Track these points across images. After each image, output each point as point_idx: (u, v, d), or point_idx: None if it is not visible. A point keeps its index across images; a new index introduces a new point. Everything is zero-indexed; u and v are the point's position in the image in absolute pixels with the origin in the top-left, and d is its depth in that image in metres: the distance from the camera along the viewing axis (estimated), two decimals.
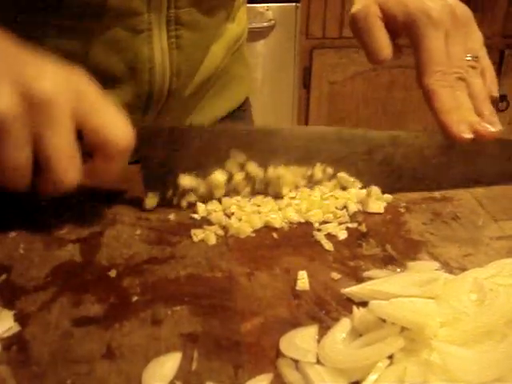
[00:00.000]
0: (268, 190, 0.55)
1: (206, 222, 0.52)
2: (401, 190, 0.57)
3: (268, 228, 0.51)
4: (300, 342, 0.37)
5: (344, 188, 0.56)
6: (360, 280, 0.44)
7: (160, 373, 0.35)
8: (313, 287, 0.43)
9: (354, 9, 0.59)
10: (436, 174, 0.58)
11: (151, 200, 0.53)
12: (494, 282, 0.39)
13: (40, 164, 0.44)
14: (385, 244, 0.49)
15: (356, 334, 0.37)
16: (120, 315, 0.40)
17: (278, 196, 0.55)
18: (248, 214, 0.52)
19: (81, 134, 0.45)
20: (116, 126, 0.46)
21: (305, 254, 0.48)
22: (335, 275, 0.44)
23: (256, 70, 1.98)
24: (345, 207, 0.54)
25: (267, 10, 1.90)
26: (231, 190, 0.54)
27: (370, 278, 0.44)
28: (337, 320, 0.39)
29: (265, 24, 1.90)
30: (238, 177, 0.54)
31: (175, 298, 0.42)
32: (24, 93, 0.42)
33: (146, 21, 0.60)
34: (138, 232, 0.50)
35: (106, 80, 0.60)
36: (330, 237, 0.50)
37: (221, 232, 0.50)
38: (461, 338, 0.34)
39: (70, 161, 0.44)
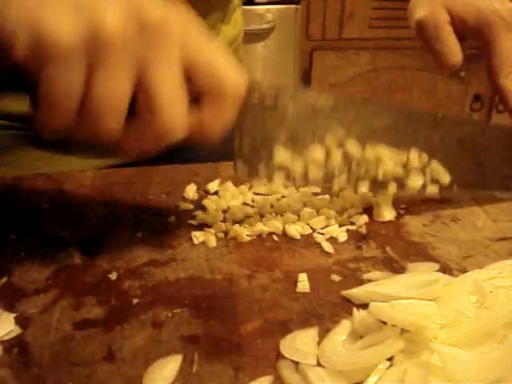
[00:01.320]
0: (363, 175, 0.50)
1: (205, 224, 0.52)
2: (484, 188, 0.55)
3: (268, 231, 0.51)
4: (300, 344, 0.37)
5: (435, 181, 0.52)
6: (360, 282, 0.44)
7: (161, 375, 0.35)
8: (313, 289, 0.43)
9: (420, 15, 0.59)
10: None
11: (241, 170, 0.48)
12: (493, 284, 0.39)
13: (139, 107, 0.37)
14: (385, 246, 0.49)
15: (356, 336, 0.37)
16: (121, 318, 0.40)
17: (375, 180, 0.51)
18: (249, 219, 0.52)
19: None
20: (230, 67, 0.40)
21: (305, 256, 0.48)
22: (335, 277, 0.45)
23: (256, 72, 1.98)
24: (346, 210, 0.54)
25: (267, 11, 1.90)
26: (328, 173, 0.49)
27: (370, 280, 0.44)
28: (337, 322, 0.39)
29: (264, 26, 1.90)
30: (338, 157, 0.49)
31: (176, 301, 0.42)
32: (134, 15, 0.35)
33: None
34: (139, 234, 0.50)
35: None
36: (330, 239, 0.50)
37: (221, 234, 0.50)
38: (461, 339, 0.34)
39: (179, 102, 0.37)
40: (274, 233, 0.51)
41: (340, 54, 2.11)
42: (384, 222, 0.53)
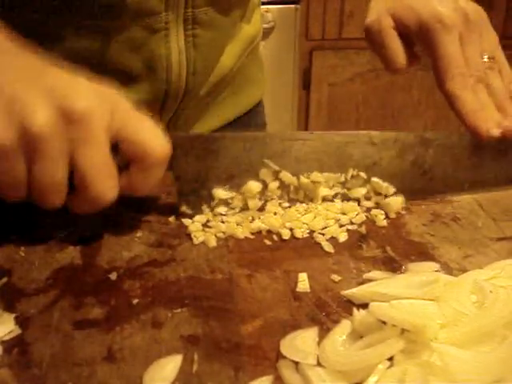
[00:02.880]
0: (302, 197, 0.55)
1: (206, 224, 0.52)
2: (435, 193, 0.57)
3: (268, 230, 0.51)
4: (300, 344, 0.37)
5: (377, 194, 0.55)
6: (360, 282, 0.44)
7: (161, 375, 0.35)
8: (313, 289, 0.43)
9: (368, 20, 0.60)
10: (467, 175, 0.57)
11: (185, 210, 0.53)
12: (494, 284, 0.39)
13: (76, 181, 0.43)
14: (385, 246, 0.49)
15: (356, 335, 0.37)
16: (121, 318, 0.40)
17: (312, 201, 0.55)
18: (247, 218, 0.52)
19: (115, 148, 0.44)
20: (153, 136, 0.45)
21: (305, 255, 0.48)
22: (335, 277, 0.45)
23: None
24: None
25: (267, 11, 1.90)
26: (266, 201, 0.54)
27: (370, 280, 0.44)
28: (337, 322, 0.39)
29: (264, 26, 1.90)
30: (273, 186, 0.53)
31: (176, 301, 0.42)
32: (58, 109, 0.41)
33: (164, 20, 0.61)
34: (139, 234, 0.50)
35: (124, 78, 0.61)
36: (330, 239, 0.50)
37: (221, 234, 0.50)
38: (461, 339, 0.34)
39: (107, 176, 0.43)
40: (273, 232, 0.51)
41: (340, 53, 2.11)
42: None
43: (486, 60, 0.56)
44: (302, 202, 0.55)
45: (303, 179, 0.53)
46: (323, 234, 0.50)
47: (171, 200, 0.55)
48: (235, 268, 0.46)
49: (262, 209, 0.53)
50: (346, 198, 0.55)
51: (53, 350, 0.37)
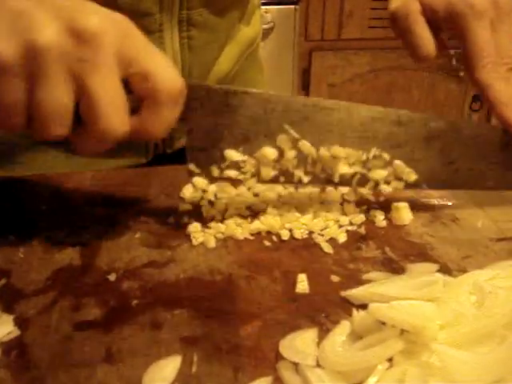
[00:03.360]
0: (319, 170, 0.51)
1: (205, 225, 0.52)
2: (458, 186, 0.54)
3: (267, 231, 0.51)
4: (300, 344, 0.37)
5: (398, 178, 0.52)
6: (359, 283, 0.44)
7: (160, 376, 0.35)
8: (312, 290, 0.43)
9: (393, 6, 0.58)
10: (492, 172, 0.54)
11: (194, 171, 0.49)
12: (493, 284, 0.39)
13: (83, 112, 0.39)
14: (384, 246, 0.49)
15: (356, 336, 0.37)
16: (120, 319, 0.40)
17: (330, 180, 0.51)
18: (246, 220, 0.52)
19: (126, 87, 0.40)
20: (166, 70, 0.41)
21: (304, 256, 0.48)
22: (335, 278, 0.45)
23: None
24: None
25: (266, 12, 1.90)
26: (281, 170, 0.50)
27: (369, 281, 0.44)
28: (336, 323, 0.39)
29: (264, 26, 1.90)
30: (290, 155, 0.49)
31: (175, 302, 0.42)
32: (68, 26, 0.37)
33: (158, 21, 0.60)
34: (138, 235, 0.50)
35: None
36: (329, 239, 0.50)
37: (220, 235, 0.50)
38: (460, 340, 0.34)
39: (119, 107, 0.39)
40: (273, 233, 0.51)
41: (339, 54, 2.11)
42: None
43: None
44: (316, 179, 0.51)
45: (323, 151, 0.49)
46: (322, 235, 0.50)
47: (171, 201, 0.55)
48: (234, 269, 0.46)
49: (257, 213, 0.53)
50: (364, 180, 0.52)
51: (52, 351, 0.37)
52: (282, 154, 0.49)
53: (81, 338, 0.38)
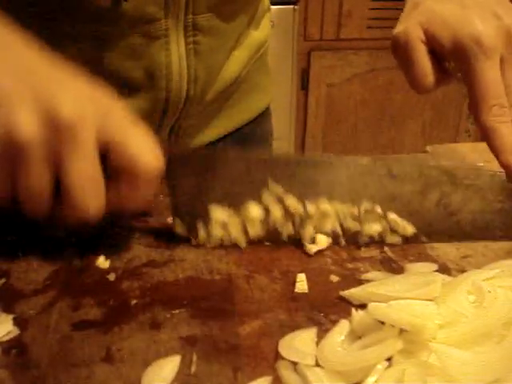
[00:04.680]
0: (310, 230, 0.49)
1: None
2: (462, 238, 0.50)
3: None
4: (299, 344, 0.37)
5: (394, 231, 0.49)
6: (359, 282, 0.44)
7: (159, 376, 0.35)
8: (311, 290, 0.43)
9: (395, 31, 0.54)
10: (500, 221, 0.50)
11: (180, 228, 0.49)
12: (492, 284, 0.39)
13: (62, 192, 0.41)
14: (383, 246, 0.49)
15: (355, 336, 0.37)
16: (119, 319, 0.40)
17: (313, 241, 0.49)
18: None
19: (104, 159, 0.42)
20: (145, 148, 0.42)
21: (303, 256, 0.48)
22: (334, 277, 0.45)
23: None
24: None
25: None
26: (269, 230, 0.49)
27: (368, 281, 0.44)
28: (335, 322, 0.39)
29: None
30: (277, 212, 0.48)
31: (174, 301, 0.42)
32: (45, 116, 0.39)
33: (163, 27, 0.60)
34: (137, 235, 0.50)
35: (123, 86, 0.59)
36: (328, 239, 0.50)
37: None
38: (459, 339, 0.35)
39: (95, 188, 0.41)
40: None
41: (338, 54, 2.11)
42: None
43: None
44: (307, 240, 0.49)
45: (310, 207, 0.48)
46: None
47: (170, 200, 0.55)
48: (234, 269, 0.46)
49: None
50: (357, 235, 0.49)
51: (51, 350, 0.37)
52: (268, 212, 0.48)
53: (80, 337, 0.38)
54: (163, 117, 0.66)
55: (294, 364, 0.36)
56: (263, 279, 0.44)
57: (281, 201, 0.48)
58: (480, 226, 0.50)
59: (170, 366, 0.36)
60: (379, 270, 0.46)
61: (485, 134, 0.50)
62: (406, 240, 0.50)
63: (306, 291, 0.43)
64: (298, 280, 0.44)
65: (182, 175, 0.48)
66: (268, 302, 0.42)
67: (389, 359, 0.34)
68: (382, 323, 0.36)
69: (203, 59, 0.64)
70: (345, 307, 0.41)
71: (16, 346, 0.37)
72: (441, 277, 0.41)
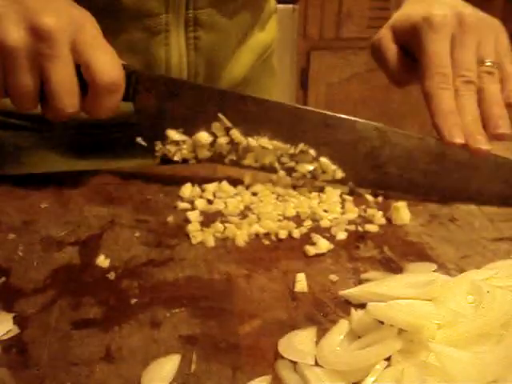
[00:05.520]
0: (250, 159, 0.56)
1: (204, 223, 0.52)
2: (388, 188, 0.57)
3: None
4: (298, 344, 0.37)
5: (324, 173, 0.56)
6: (358, 282, 0.44)
7: (159, 375, 0.35)
8: (311, 289, 0.43)
9: (373, 38, 0.61)
10: (425, 181, 0.56)
11: (140, 141, 0.57)
12: (491, 284, 0.39)
13: (44, 93, 0.49)
14: (382, 246, 0.49)
15: (354, 335, 0.37)
16: (119, 318, 0.40)
17: (262, 168, 0.57)
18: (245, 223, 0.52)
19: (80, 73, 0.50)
20: (106, 64, 0.49)
21: (303, 255, 0.48)
22: (333, 277, 0.45)
23: None
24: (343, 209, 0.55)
25: None
26: (215, 153, 0.57)
27: (367, 280, 0.44)
28: (335, 322, 0.39)
29: None
30: (222, 140, 0.55)
31: (174, 301, 0.42)
32: (29, 27, 0.46)
33: (164, 22, 0.60)
34: (137, 234, 0.50)
35: None
36: (328, 239, 0.50)
37: (219, 234, 0.50)
38: (458, 339, 0.35)
39: (69, 92, 0.49)
40: (271, 233, 0.51)
41: (338, 53, 2.11)
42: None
43: (488, 64, 0.55)
44: (249, 166, 0.57)
45: (252, 141, 0.55)
46: (320, 234, 0.50)
47: (170, 200, 0.56)
48: (233, 268, 0.46)
49: (255, 213, 0.53)
50: (291, 171, 0.56)
51: (51, 349, 0.37)
52: (215, 139, 0.56)
53: (80, 336, 0.38)
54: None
55: (294, 363, 0.36)
56: (263, 279, 0.45)
57: (227, 132, 0.55)
58: (405, 181, 0.56)
59: (169, 364, 0.36)
60: (378, 270, 0.46)
61: (425, 99, 0.55)
62: (333, 182, 0.57)
63: (306, 291, 0.43)
64: (297, 279, 0.44)
65: (146, 99, 0.55)
66: (267, 302, 0.42)
67: (388, 359, 0.34)
68: (382, 323, 0.36)
69: (204, 55, 0.64)
70: (344, 307, 0.41)
71: (16, 345, 0.37)
72: (440, 277, 0.42)
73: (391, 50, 0.59)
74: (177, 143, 0.56)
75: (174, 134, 0.56)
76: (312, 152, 0.55)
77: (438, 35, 0.55)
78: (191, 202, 0.55)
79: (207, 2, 0.61)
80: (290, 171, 0.57)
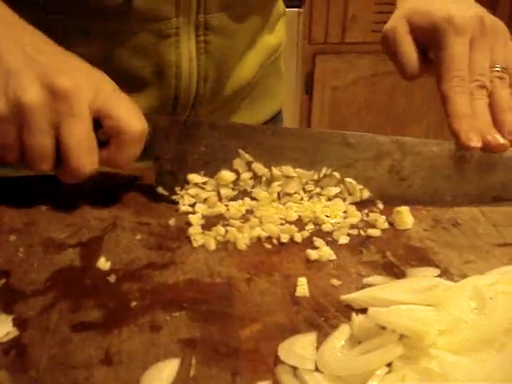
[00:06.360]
0: (276, 188, 0.55)
1: (205, 226, 0.51)
2: (414, 201, 0.55)
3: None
4: (299, 348, 0.37)
5: (351, 194, 0.55)
6: (360, 287, 0.44)
7: (158, 379, 0.35)
8: (312, 294, 0.43)
9: (385, 26, 0.61)
10: (448, 186, 0.56)
11: (161, 192, 0.55)
12: (493, 290, 0.38)
13: (60, 152, 0.48)
14: (385, 250, 0.49)
15: (355, 341, 0.37)
16: (119, 321, 0.40)
17: (282, 195, 0.55)
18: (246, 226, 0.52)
19: (99, 124, 0.49)
20: (130, 114, 0.50)
21: (304, 260, 0.47)
22: (335, 282, 0.44)
23: None
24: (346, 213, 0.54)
25: None
26: (239, 190, 0.55)
27: (369, 285, 0.44)
28: (336, 327, 0.39)
29: None
30: (246, 176, 0.55)
31: (174, 304, 0.42)
32: (47, 86, 0.46)
33: (174, 25, 0.60)
34: (138, 237, 0.50)
35: (132, 84, 0.61)
36: (330, 243, 0.50)
37: (221, 238, 0.50)
38: (460, 346, 0.34)
39: (87, 150, 0.48)
40: (273, 237, 0.50)
41: (343, 57, 2.11)
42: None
43: (498, 69, 0.55)
44: (275, 195, 0.55)
45: (275, 171, 0.54)
46: (322, 238, 0.50)
47: (171, 203, 0.55)
48: (234, 272, 0.46)
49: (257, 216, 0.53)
50: (317, 197, 0.55)
51: (50, 352, 0.37)
52: (238, 176, 0.55)
53: (79, 339, 0.38)
54: (172, 116, 0.66)
55: (294, 368, 0.35)
56: (264, 283, 0.44)
57: (249, 166, 0.55)
58: (430, 191, 0.56)
59: (169, 368, 0.35)
60: (381, 275, 0.45)
61: (442, 101, 0.55)
62: (362, 203, 0.55)
63: (307, 295, 0.43)
64: (298, 284, 0.44)
65: (164, 143, 0.55)
66: (268, 306, 0.42)
67: (389, 364, 0.34)
68: (383, 328, 0.36)
69: (214, 59, 0.64)
70: (345, 312, 0.41)
71: (15, 347, 0.37)
72: (442, 282, 0.41)
73: (407, 42, 0.58)
74: (199, 186, 0.55)
75: (196, 178, 0.55)
76: (336, 174, 0.55)
77: (460, 38, 0.55)
78: (193, 205, 0.55)
79: (218, 6, 0.62)
80: (315, 198, 0.55)
